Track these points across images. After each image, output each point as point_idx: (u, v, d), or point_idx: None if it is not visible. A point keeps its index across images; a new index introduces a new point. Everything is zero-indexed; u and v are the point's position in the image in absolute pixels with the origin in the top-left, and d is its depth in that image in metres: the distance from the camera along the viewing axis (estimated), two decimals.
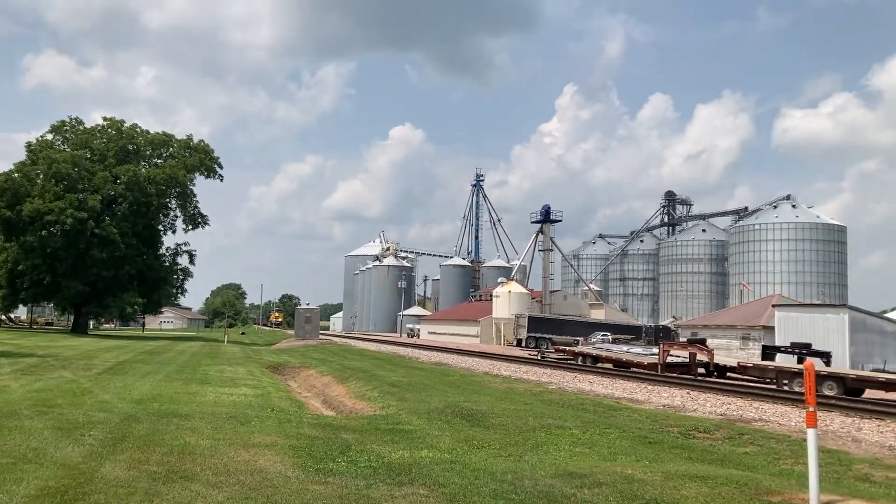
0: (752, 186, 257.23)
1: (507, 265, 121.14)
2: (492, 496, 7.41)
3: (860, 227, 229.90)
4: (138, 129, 66.55)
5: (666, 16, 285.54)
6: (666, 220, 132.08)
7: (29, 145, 61.62)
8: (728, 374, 31.52)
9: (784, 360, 30.86)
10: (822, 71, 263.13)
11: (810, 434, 6.97)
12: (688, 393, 21.28)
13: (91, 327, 75.35)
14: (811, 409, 6.97)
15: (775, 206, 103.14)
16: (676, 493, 7.68)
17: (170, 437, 10.36)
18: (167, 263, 68.11)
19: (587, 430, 12.63)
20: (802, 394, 22.45)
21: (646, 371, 31.51)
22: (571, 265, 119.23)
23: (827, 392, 24.18)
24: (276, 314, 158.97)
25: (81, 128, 65.25)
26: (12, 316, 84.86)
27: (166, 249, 68.94)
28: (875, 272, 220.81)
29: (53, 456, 8.67)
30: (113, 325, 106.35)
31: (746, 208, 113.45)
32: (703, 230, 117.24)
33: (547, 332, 64.97)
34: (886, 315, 53.39)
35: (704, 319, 65.96)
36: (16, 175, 58.19)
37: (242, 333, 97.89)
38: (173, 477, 7.77)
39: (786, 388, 25.44)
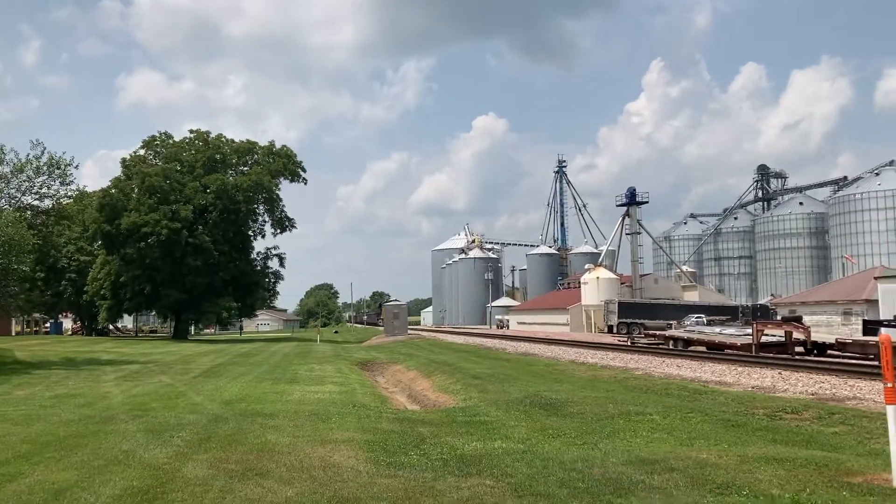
0: (856, 154, 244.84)
1: (594, 251, 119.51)
2: (558, 485, 7.36)
3: None
4: (223, 139, 68.94)
5: None
6: (760, 195, 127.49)
7: (123, 161, 64.63)
8: (828, 351, 30.16)
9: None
10: None
11: (889, 411, 6.64)
12: (780, 373, 20.51)
13: (192, 333, 78.67)
14: (889, 384, 6.62)
15: (877, 174, 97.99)
16: (750, 476, 7.44)
17: (252, 435, 10.71)
18: (258, 268, 70.31)
19: (668, 416, 12.36)
20: None
21: (740, 353, 30.50)
22: (661, 247, 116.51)
23: None
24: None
25: (171, 141, 67.96)
26: (119, 325, 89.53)
27: (257, 254, 71.24)
28: None
29: (141, 457, 9.11)
30: (213, 331, 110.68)
31: (846, 178, 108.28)
32: (801, 203, 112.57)
33: (638, 318, 63.79)
34: None
35: (803, 296, 63.33)
36: (113, 191, 61.19)
37: (336, 332, 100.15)
38: (249, 474, 8.04)
39: None
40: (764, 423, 11.78)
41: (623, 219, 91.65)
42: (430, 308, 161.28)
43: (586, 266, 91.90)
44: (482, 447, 9.76)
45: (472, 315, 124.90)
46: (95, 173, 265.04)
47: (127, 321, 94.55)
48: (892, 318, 32.16)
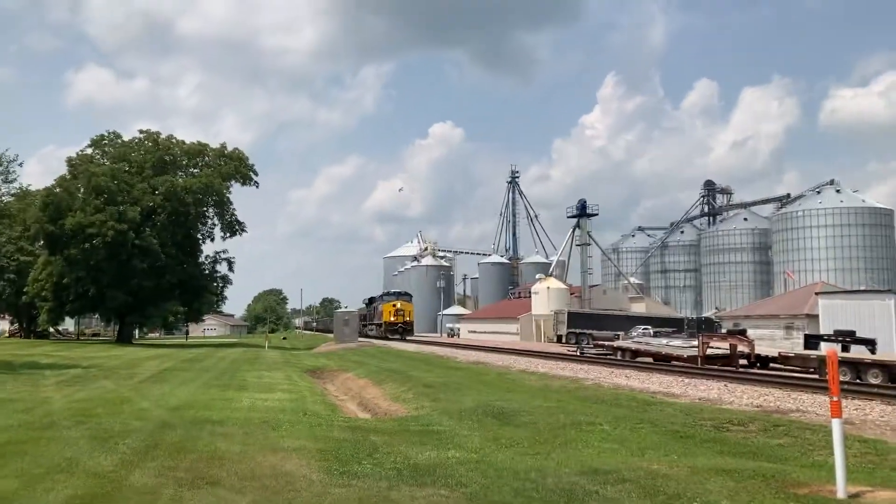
0: (800, 172, 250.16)
1: (545, 261, 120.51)
2: (512, 494, 7.38)
3: None
4: (174, 140, 67.62)
5: (707, 1, 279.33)
6: (706, 209, 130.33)
7: (69, 160, 62.60)
8: (771, 364, 30.95)
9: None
10: (874, 48, 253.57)
11: (835, 424, 6.82)
12: (725, 385, 20.94)
13: (137, 337, 76.78)
14: (835, 398, 6.81)
15: (819, 192, 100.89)
16: (700, 487, 7.57)
17: (202, 443, 10.49)
18: (207, 271, 69.03)
19: (618, 426, 12.50)
20: (845, 383, 21.96)
21: (686, 364, 31.08)
22: (610, 259, 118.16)
23: (872, 380, 23.61)
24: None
25: (119, 141, 66.28)
26: (60, 328, 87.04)
27: (206, 258, 69.83)
28: None
29: (86, 465, 8.84)
30: (158, 335, 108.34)
31: (789, 195, 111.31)
32: (745, 219, 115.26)
33: (587, 328, 64.50)
34: None
35: (747, 310, 64.83)
36: (58, 190, 59.43)
37: (284, 339, 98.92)
38: (199, 483, 7.88)
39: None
40: (712, 434, 12.01)
41: (574, 230, 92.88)
42: None
43: (537, 276, 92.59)
44: (436, 456, 9.74)
45: (423, 323, 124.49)
46: (39, 171, 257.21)
47: (68, 324, 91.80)
48: (831, 333, 33.12)
